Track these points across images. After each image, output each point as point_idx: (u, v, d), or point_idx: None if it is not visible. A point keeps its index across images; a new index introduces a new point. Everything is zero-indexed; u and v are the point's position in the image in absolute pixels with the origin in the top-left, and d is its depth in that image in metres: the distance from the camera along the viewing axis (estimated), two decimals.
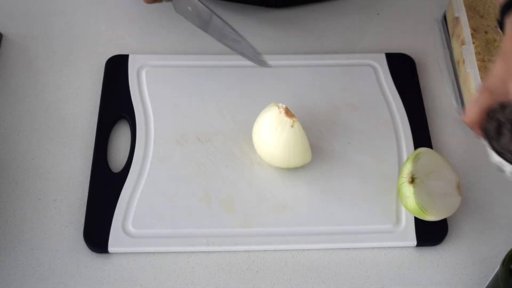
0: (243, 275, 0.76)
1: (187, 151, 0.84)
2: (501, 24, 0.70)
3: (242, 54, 0.85)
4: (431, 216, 0.76)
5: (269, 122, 0.79)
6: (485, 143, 0.67)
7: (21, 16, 0.99)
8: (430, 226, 0.79)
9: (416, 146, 0.85)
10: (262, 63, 0.85)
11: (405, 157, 0.84)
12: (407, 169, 0.77)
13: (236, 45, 0.85)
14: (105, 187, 0.81)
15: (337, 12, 1.00)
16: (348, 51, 0.94)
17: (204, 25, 0.85)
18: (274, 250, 0.78)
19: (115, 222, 0.78)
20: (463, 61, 0.88)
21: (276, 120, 0.78)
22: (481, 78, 0.84)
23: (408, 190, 0.76)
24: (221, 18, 0.84)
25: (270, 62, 0.91)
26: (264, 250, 0.78)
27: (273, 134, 0.79)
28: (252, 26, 0.97)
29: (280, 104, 0.79)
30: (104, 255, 0.77)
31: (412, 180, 0.76)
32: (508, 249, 0.66)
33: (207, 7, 0.83)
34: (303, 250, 0.77)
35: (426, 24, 0.99)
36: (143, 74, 0.91)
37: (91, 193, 0.80)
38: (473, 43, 0.88)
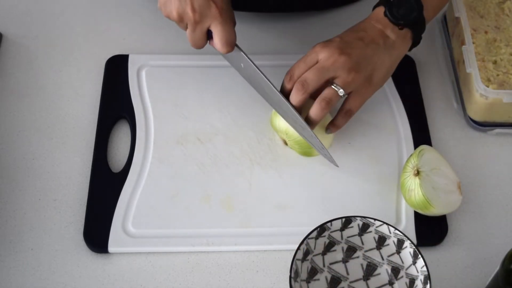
0: (243, 275, 0.76)
1: (187, 151, 0.84)
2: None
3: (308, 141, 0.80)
4: (435, 209, 0.76)
5: None
6: None
7: (21, 16, 0.99)
8: (430, 226, 0.79)
9: (416, 146, 0.85)
10: (330, 159, 0.81)
11: (405, 157, 0.84)
12: (412, 163, 0.78)
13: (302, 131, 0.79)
14: (105, 187, 0.81)
15: (337, 13, 1.00)
16: None
17: (262, 93, 0.82)
18: (274, 250, 0.78)
19: (115, 222, 0.78)
20: (463, 61, 0.88)
21: None
22: (481, 78, 0.84)
23: (413, 183, 0.77)
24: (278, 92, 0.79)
25: (270, 62, 0.91)
26: (264, 250, 0.78)
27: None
28: (252, 28, 0.97)
29: None
30: (104, 255, 0.77)
31: (418, 173, 0.76)
32: (508, 249, 0.66)
33: (266, 78, 0.78)
34: None
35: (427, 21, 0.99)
36: (143, 74, 0.91)
37: (91, 193, 0.80)
38: (473, 43, 0.88)
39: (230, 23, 0.76)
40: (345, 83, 0.76)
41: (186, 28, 0.77)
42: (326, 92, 0.76)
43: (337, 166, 0.81)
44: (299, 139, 0.81)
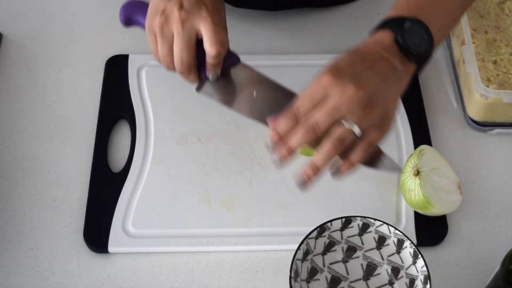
0: (243, 275, 0.76)
1: (187, 151, 0.84)
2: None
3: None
4: (434, 209, 0.76)
5: None
6: None
7: (21, 16, 0.99)
8: (430, 226, 0.79)
9: (416, 146, 0.85)
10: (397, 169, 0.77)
11: (405, 156, 0.84)
12: (412, 163, 0.78)
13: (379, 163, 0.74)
14: (105, 187, 0.81)
15: (337, 13, 1.00)
16: None
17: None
18: (274, 250, 0.78)
19: (115, 222, 0.78)
20: (463, 61, 0.88)
21: None
22: (481, 78, 0.84)
23: (413, 183, 0.77)
24: None
25: (271, 62, 0.91)
26: (264, 250, 0.78)
27: None
28: (252, 27, 0.97)
29: None
30: (104, 255, 0.77)
31: (418, 173, 0.76)
32: (508, 249, 0.66)
33: None
34: None
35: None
36: (143, 74, 0.91)
37: (91, 193, 0.80)
38: (473, 43, 0.88)
39: (220, 26, 0.72)
40: (361, 121, 0.66)
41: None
42: (340, 132, 0.66)
43: (400, 169, 0.77)
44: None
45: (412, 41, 0.68)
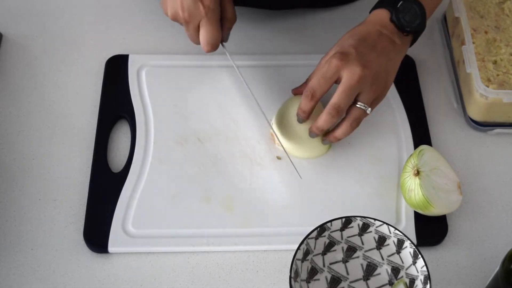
0: (243, 275, 0.76)
1: (187, 151, 0.84)
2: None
3: None
4: (435, 209, 0.76)
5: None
6: None
7: (21, 16, 0.99)
8: (430, 226, 0.79)
9: (416, 146, 0.85)
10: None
11: (405, 156, 0.84)
12: (412, 163, 0.78)
13: None
14: (105, 187, 0.81)
15: (337, 13, 1.00)
16: None
17: None
18: (274, 250, 0.78)
19: (115, 222, 0.78)
20: (463, 61, 0.88)
21: None
22: (481, 78, 0.84)
23: (413, 183, 0.77)
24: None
25: (271, 62, 0.92)
26: (264, 250, 0.78)
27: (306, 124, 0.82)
28: (252, 27, 0.97)
29: None
30: (104, 255, 0.77)
31: (418, 173, 0.76)
32: (508, 249, 0.66)
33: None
34: None
35: (426, 24, 0.99)
36: (143, 74, 0.91)
37: (91, 193, 0.80)
38: (473, 43, 0.88)
39: (216, 23, 0.79)
40: (369, 99, 0.78)
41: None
42: (356, 113, 0.78)
43: (301, 178, 0.82)
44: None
45: (406, 18, 0.78)
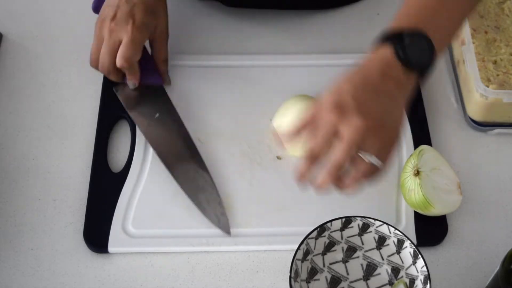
0: (243, 275, 0.76)
1: None
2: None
3: (202, 208, 0.79)
4: (434, 209, 0.76)
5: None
6: None
7: (21, 16, 0.99)
8: (430, 226, 0.79)
9: (416, 146, 0.85)
10: (223, 227, 0.78)
11: (405, 157, 0.84)
12: (412, 163, 0.78)
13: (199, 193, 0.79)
14: (105, 187, 0.81)
15: (337, 13, 1.00)
16: (348, 51, 0.94)
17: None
18: (274, 250, 0.78)
19: (115, 222, 0.78)
20: (463, 61, 0.88)
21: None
22: (481, 78, 0.84)
23: (413, 183, 0.77)
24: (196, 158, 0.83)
25: (270, 62, 0.91)
26: (264, 250, 0.78)
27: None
28: (252, 27, 0.97)
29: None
30: (104, 255, 0.77)
31: (418, 173, 0.76)
32: (508, 249, 0.66)
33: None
34: None
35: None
36: None
37: (91, 193, 0.80)
38: (473, 43, 0.88)
39: (136, 43, 0.81)
40: (375, 147, 0.67)
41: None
42: (365, 168, 0.67)
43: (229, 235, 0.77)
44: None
45: (414, 54, 0.68)
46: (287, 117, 0.83)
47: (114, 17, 0.81)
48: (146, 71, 0.86)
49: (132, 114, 0.85)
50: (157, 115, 0.84)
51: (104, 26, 0.82)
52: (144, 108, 0.86)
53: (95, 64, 0.84)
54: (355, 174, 0.67)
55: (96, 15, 0.86)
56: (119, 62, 0.81)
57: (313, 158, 0.67)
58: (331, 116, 0.66)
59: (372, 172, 0.67)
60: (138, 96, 0.86)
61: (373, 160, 0.67)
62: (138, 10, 0.81)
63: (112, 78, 0.85)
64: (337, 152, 0.66)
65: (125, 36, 0.80)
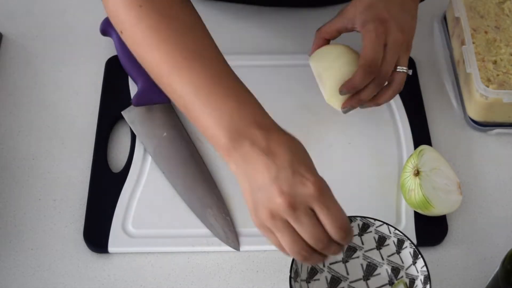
0: (243, 275, 0.76)
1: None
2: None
3: (209, 225, 0.78)
4: (434, 209, 0.76)
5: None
6: None
7: (21, 16, 0.99)
8: (430, 226, 0.79)
9: (416, 146, 0.85)
10: (232, 244, 0.77)
11: (405, 157, 0.84)
12: (412, 163, 0.78)
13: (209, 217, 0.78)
14: (105, 187, 0.81)
15: (336, 11, 1.00)
16: None
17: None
18: (274, 250, 0.78)
19: (115, 222, 0.78)
20: (463, 61, 0.88)
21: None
22: (481, 78, 0.84)
23: (413, 183, 0.77)
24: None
25: (269, 62, 0.91)
26: (264, 250, 0.78)
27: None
28: (252, 26, 0.97)
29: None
30: (104, 255, 0.77)
31: (418, 173, 0.76)
32: (508, 249, 0.66)
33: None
34: None
35: (426, 24, 0.99)
36: None
37: (91, 193, 0.80)
38: (473, 43, 0.88)
39: (336, 202, 0.65)
40: (407, 62, 0.78)
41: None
42: (400, 78, 0.78)
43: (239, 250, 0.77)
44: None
45: None
46: (325, 62, 0.81)
47: (290, 206, 0.61)
48: (154, 89, 0.80)
49: (141, 138, 0.84)
50: (165, 134, 0.83)
51: (278, 213, 0.62)
52: (152, 129, 0.84)
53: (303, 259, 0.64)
54: (393, 84, 0.78)
55: (98, 16, 0.85)
56: (339, 234, 0.63)
57: (373, 69, 0.75)
58: (380, 28, 0.75)
59: (404, 82, 0.79)
60: (147, 118, 0.84)
61: (409, 71, 0.79)
62: (299, 164, 0.65)
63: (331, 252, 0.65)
64: (386, 61, 0.76)
65: (314, 202, 0.63)
